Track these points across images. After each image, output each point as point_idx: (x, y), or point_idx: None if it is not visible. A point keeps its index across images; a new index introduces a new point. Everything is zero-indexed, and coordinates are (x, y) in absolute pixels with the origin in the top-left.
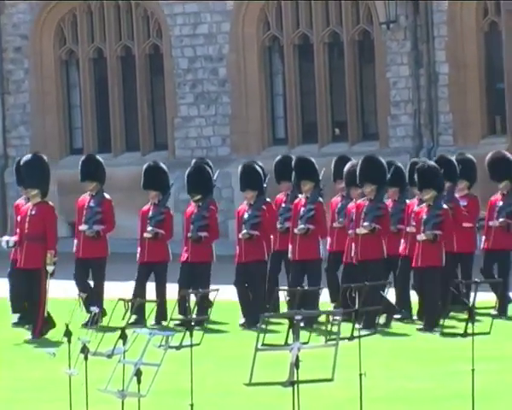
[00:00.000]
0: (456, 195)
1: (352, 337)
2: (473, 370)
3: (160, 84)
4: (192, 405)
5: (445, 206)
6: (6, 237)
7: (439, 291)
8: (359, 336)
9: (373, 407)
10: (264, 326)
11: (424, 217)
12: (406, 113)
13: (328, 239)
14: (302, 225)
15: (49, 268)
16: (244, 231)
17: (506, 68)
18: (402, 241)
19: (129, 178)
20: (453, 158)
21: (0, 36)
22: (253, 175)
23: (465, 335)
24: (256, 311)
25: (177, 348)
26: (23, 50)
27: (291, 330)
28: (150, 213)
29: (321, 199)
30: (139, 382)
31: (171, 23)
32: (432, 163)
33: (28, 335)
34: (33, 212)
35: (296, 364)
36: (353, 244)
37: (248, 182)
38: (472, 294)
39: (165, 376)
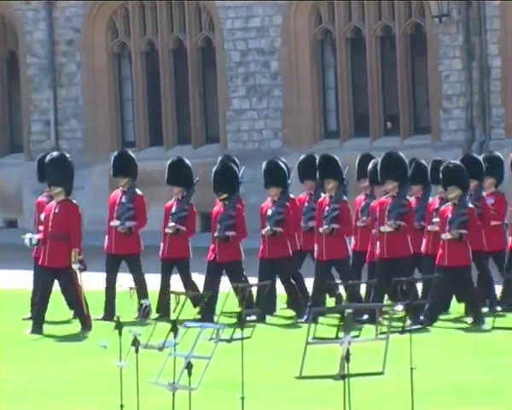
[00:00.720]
0: (484, 193)
1: (403, 331)
2: None
3: (212, 77)
4: (243, 398)
5: (470, 205)
6: (29, 235)
7: (475, 288)
8: (410, 330)
9: (424, 400)
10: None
11: (449, 216)
12: (458, 106)
13: (352, 238)
14: (326, 226)
15: (74, 266)
16: (268, 227)
17: None
18: (424, 239)
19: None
20: (479, 157)
21: (52, 29)
22: (277, 172)
23: None
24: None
25: (228, 341)
26: (75, 43)
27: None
28: (173, 208)
29: (345, 198)
30: (190, 374)
31: (223, 16)
32: (457, 162)
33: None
34: (57, 210)
35: (347, 357)
36: (378, 242)
37: (272, 179)
38: None
39: (216, 369)
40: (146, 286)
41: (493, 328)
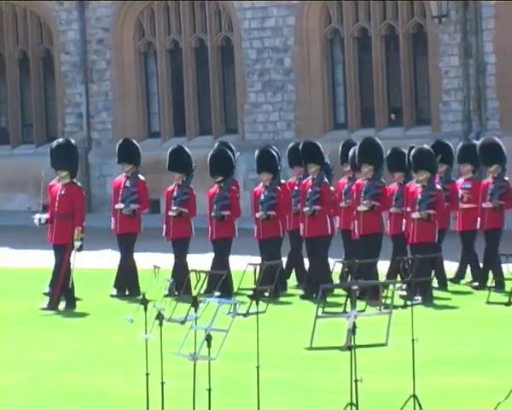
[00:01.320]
0: (462, 178)
1: (404, 306)
2: None
3: (230, 74)
4: (258, 367)
5: (438, 186)
6: (38, 215)
7: (430, 265)
8: (412, 305)
9: (424, 369)
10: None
11: (419, 197)
12: (456, 100)
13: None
14: (308, 208)
15: (77, 243)
16: (261, 212)
17: None
18: (403, 220)
19: (202, 160)
20: (449, 142)
21: (84, 29)
22: (268, 158)
23: (509, 303)
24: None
25: (245, 315)
26: (105, 42)
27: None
28: (175, 193)
29: (326, 180)
30: (209, 346)
31: (241, 17)
32: (426, 147)
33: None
34: (63, 192)
35: (353, 330)
36: (355, 221)
37: (264, 165)
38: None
39: (233, 341)
40: (133, 266)
41: (488, 302)
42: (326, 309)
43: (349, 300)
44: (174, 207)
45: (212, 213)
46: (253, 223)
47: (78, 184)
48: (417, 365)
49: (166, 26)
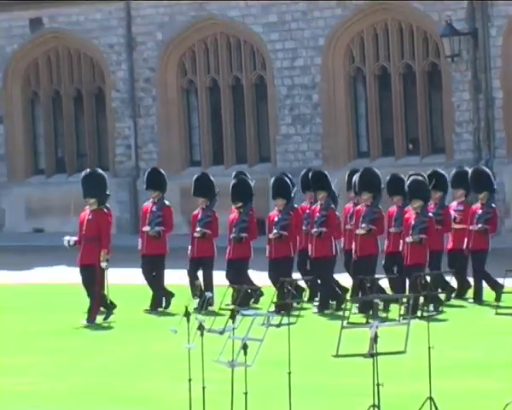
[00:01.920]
0: (455, 202)
1: (421, 317)
2: None
3: (264, 108)
4: (290, 373)
5: (430, 214)
6: (67, 237)
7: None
8: (428, 316)
9: (440, 374)
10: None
11: (412, 222)
12: (468, 131)
13: (342, 239)
14: (315, 229)
15: (103, 264)
16: (275, 230)
17: None
18: (386, 241)
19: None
20: (444, 172)
21: (132, 69)
22: (283, 185)
23: None
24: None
25: (277, 326)
26: (151, 81)
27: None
28: (199, 216)
29: (333, 206)
30: (246, 354)
31: (273, 57)
32: (420, 177)
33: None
34: (90, 217)
35: (375, 339)
36: (354, 243)
37: (279, 191)
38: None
39: (267, 349)
40: (163, 281)
41: (496, 313)
42: (350, 320)
43: (371, 311)
44: (198, 229)
45: (232, 235)
46: (266, 243)
47: (105, 210)
48: (433, 370)
49: (206, 65)
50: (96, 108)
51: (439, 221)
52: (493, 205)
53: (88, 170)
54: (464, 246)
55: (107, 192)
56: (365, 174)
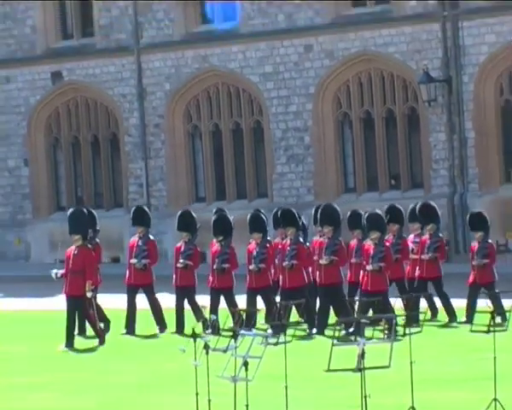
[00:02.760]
0: (412, 235)
1: (404, 335)
2: (495, 357)
3: (261, 149)
4: (286, 386)
5: (387, 244)
6: (55, 270)
7: (387, 305)
8: (410, 334)
9: (421, 386)
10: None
11: (371, 252)
12: (444, 167)
13: (348, 271)
14: (287, 262)
15: (88, 294)
16: (253, 265)
17: None
18: (348, 271)
19: (239, 219)
20: (400, 207)
21: (143, 116)
22: (259, 221)
23: (488, 331)
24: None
25: (275, 344)
26: (160, 126)
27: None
28: (182, 248)
29: (302, 240)
30: (247, 370)
31: (269, 104)
32: (377, 212)
33: (96, 342)
34: (76, 252)
35: (362, 355)
36: (318, 272)
37: (255, 227)
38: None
39: (266, 365)
40: (160, 307)
41: (471, 331)
42: (340, 338)
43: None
44: (181, 260)
45: (215, 266)
46: (247, 273)
47: (89, 245)
48: (415, 382)
49: (209, 112)
50: (111, 151)
51: (398, 251)
52: (440, 235)
53: (72, 209)
54: (416, 274)
55: (97, 228)
56: (326, 209)
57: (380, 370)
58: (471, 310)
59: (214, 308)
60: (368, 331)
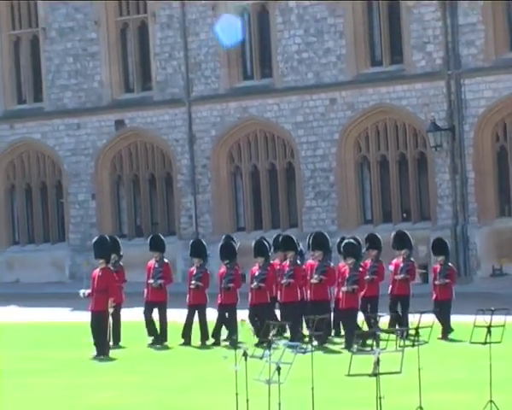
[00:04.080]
0: (400, 258)
1: (413, 345)
2: (490, 365)
3: (292, 187)
4: (313, 388)
5: (360, 269)
6: (82, 290)
7: (355, 324)
8: (418, 344)
9: (428, 389)
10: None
11: (347, 275)
12: (448, 203)
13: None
14: (285, 280)
15: (110, 310)
16: (255, 283)
17: None
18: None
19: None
20: (379, 235)
21: (193, 157)
22: (262, 246)
23: (485, 343)
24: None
25: (304, 352)
26: (207, 166)
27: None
28: (194, 272)
29: (299, 262)
30: (279, 374)
31: (299, 148)
32: (352, 241)
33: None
34: (100, 274)
35: (377, 362)
36: (308, 290)
37: (259, 251)
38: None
39: (296, 370)
40: (166, 325)
41: (470, 342)
42: (359, 348)
43: (374, 341)
44: (193, 282)
45: (222, 286)
46: (249, 292)
47: (111, 268)
48: (422, 385)
49: (249, 155)
50: (166, 187)
51: (375, 272)
52: (412, 259)
53: (97, 237)
54: (390, 292)
55: (121, 253)
56: (317, 237)
57: (392, 375)
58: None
59: (221, 323)
60: (382, 342)
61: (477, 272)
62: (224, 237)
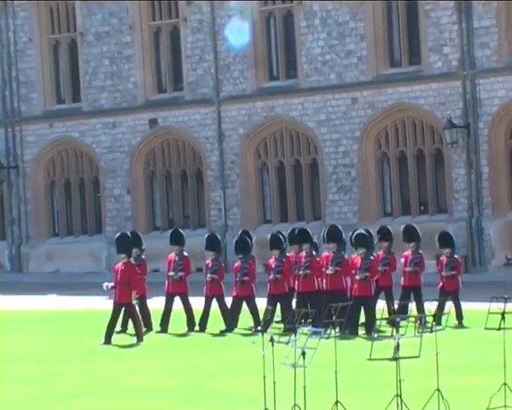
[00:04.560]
0: (409, 251)
1: (431, 331)
2: (504, 350)
3: (316, 181)
4: (336, 371)
5: (372, 257)
6: (106, 283)
7: (374, 310)
8: (436, 330)
9: (445, 372)
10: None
11: (359, 264)
12: (463, 196)
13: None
14: (302, 271)
15: (134, 301)
16: (272, 275)
17: None
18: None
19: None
20: (390, 228)
21: (222, 154)
22: (277, 240)
23: (499, 329)
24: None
25: (327, 337)
26: (235, 163)
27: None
28: (210, 264)
29: (314, 253)
30: (304, 358)
31: (322, 145)
32: (362, 231)
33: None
34: (123, 268)
35: (397, 347)
36: (324, 280)
37: (274, 244)
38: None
39: (319, 354)
40: (192, 311)
41: (485, 328)
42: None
43: (393, 327)
44: (209, 275)
45: (237, 279)
46: (268, 283)
47: (132, 262)
48: (440, 369)
49: (275, 151)
50: (196, 182)
51: (387, 264)
52: (420, 251)
53: (119, 233)
54: (401, 283)
55: (143, 247)
56: (331, 230)
57: (411, 359)
58: (440, 311)
59: (237, 315)
60: (402, 328)
61: (491, 261)
62: (240, 232)
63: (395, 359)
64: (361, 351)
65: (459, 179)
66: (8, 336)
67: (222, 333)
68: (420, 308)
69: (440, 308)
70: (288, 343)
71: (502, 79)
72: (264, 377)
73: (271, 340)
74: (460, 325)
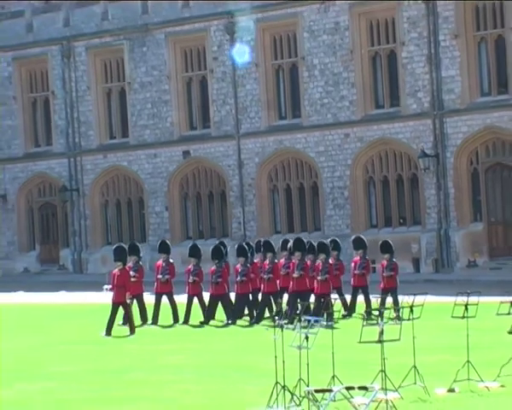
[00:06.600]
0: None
1: (408, 319)
2: (467, 334)
3: (316, 200)
4: (333, 352)
5: (330, 262)
6: (105, 286)
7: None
8: (413, 319)
9: (420, 352)
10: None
11: (320, 267)
12: (434, 212)
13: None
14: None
15: (128, 300)
16: (239, 277)
17: None
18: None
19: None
20: (363, 237)
21: (241, 178)
22: (243, 249)
23: (463, 317)
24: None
25: (327, 327)
26: (252, 185)
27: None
28: (191, 269)
29: (307, 261)
30: (307, 341)
31: (321, 171)
32: (323, 241)
33: (127, 332)
34: (118, 273)
35: (382, 332)
36: (291, 282)
37: (240, 252)
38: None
39: (319, 338)
40: (177, 307)
41: (453, 317)
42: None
43: (379, 316)
44: (190, 277)
45: (212, 280)
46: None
47: (127, 268)
48: (416, 349)
49: (283, 176)
50: (221, 201)
51: (363, 268)
52: (367, 257)
53: (116, 244)
54: (351, 284)
55: (141, 255)
56: (297, 241)
57: (393, 342)
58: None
59: (214, 310)
60: (386, 316)
61: (456, 263)
62: (217, 241)
63: (380, 341)
64: (353, 335)
65: (431, 198)
66: (70, 324)
67: (201, 324)
68: (368, 303)
69: (383, 302)
70: (294, 329)
71: (465, 118)
72: (276, 356)
73: (281, 327)
74: (397, 317)
